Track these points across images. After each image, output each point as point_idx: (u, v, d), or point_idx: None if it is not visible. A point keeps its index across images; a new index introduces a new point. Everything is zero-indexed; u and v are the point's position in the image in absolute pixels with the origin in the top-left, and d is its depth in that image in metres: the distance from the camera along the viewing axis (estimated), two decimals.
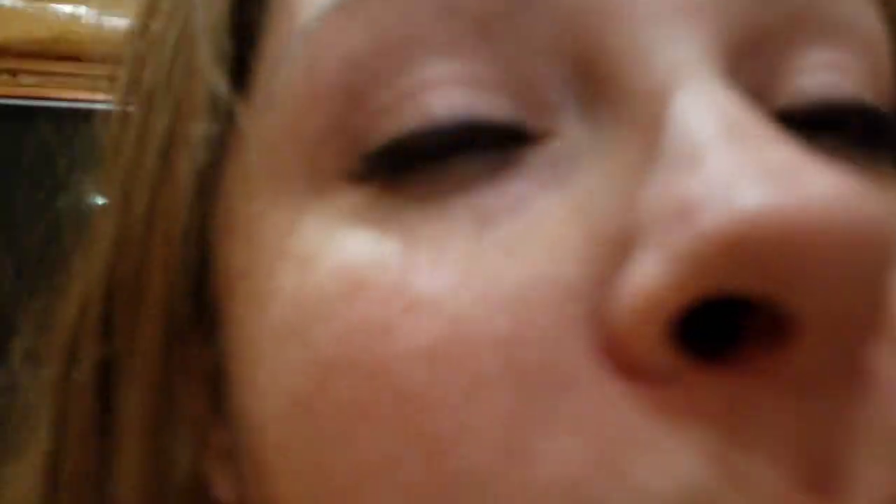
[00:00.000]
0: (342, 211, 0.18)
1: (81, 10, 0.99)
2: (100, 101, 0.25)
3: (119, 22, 0.25)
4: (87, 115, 0.26)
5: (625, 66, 0.17)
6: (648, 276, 0.14)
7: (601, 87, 0.17)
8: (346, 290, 0.17)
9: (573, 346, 0.15)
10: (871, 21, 0.20)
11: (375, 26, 0.18)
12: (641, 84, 0.17)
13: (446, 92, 0.17)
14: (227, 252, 0.21)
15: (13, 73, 1.06)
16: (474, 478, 0.15)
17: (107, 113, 0.24)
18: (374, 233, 0.18)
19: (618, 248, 0.16)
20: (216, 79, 0.20)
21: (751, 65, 0.18)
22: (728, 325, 0.15)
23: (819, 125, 0.18)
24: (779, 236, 0.13)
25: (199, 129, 0.20)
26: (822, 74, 0.19)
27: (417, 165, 0.17)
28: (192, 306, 0.21)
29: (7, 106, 1.14)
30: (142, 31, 0.23)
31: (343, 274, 0.17)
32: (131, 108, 0.23)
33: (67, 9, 1.01)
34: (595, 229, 0.16)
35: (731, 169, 0.14)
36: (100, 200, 0.24)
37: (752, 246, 0.13)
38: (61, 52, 1.01)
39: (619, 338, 0.15)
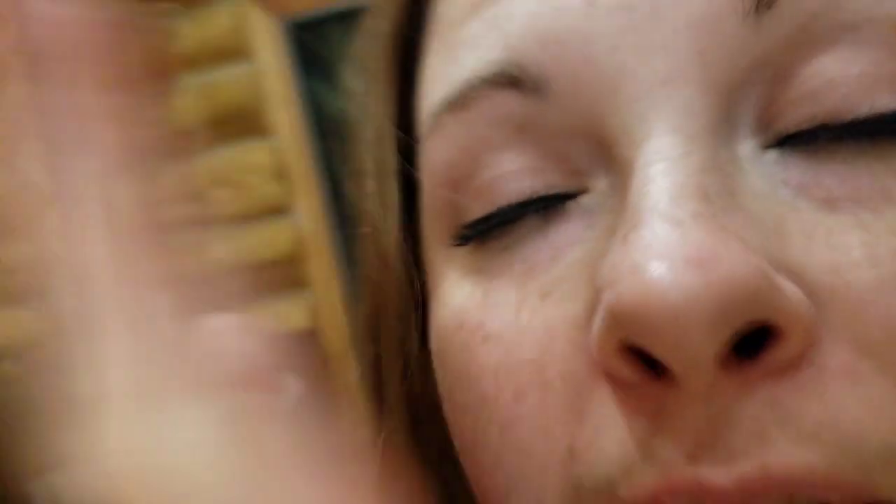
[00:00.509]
0: (456, 269, 0.27)
1: None
2: None
3: None
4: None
5: (617, 140, 0.22)
6: (595, 327, 0.21)
7: (610, 155, 0.23)
8: (455, 327, 0.26)
9: (579, 361, 0.22)
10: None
11: (455, 141, 0.25)
12: (625, 154, 0.22)
13: (511, 180, 0.24)
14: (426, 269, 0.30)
15: None
16: (527, 444, 0.23)
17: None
18: (470, 287, 0.26)
19: (599, 293, 0.21)
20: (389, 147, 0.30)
21: (755, 89, 0.22)
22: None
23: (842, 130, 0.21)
24: (634, 314, 0.19)
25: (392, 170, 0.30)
26: (830, 91, 0.21)
27: (498, 230, 0.25)
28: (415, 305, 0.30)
29: None
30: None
31: (454, 317, 0.26)
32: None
33: None
34: (592, 280, 0.22)
35: (641, 252, 0.20)
36: None
37: (625, 318, 0.20)
38: None
39: (595, 352, 0.22)
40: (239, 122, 1.74)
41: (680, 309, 0.19)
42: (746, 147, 0.22)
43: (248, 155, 1.75)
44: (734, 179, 0.21)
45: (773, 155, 0.22)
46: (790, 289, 0.20)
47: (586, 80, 0.23)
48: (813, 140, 0.21)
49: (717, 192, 0.20)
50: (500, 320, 0.24)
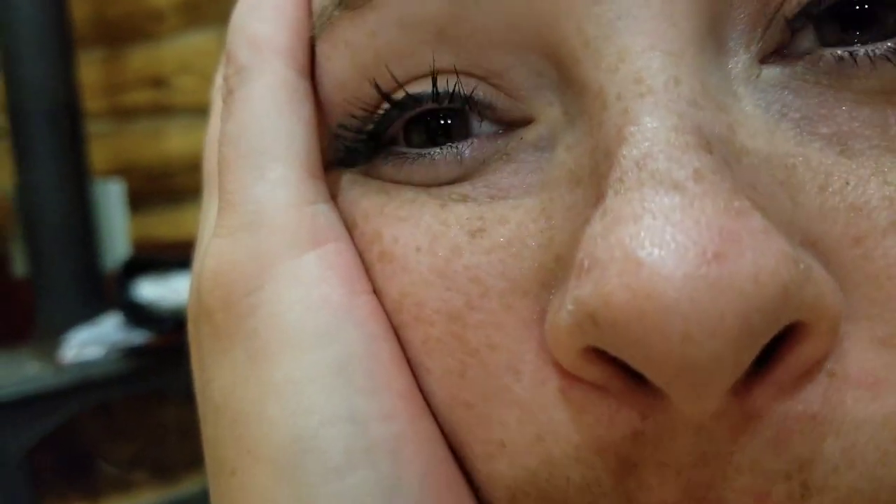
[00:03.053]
0: (347, 176, 0.22)
1: None
2: None
3: None
4: None
5: (576, 56, 0.17)
6: (560, 317, 0.16)
7: (566, 74, 0.18)
8: (353, 226, 0.21)
9: (521, 337, 0.18)
10: None
11: (353, 53, 0.20)
12: (589, 78, 0.17)
13: (427, 97, 0.19)
14: None
15: None
16: (443, 404, 0.19)
17: None
18: (361, 188, 0.21)
19: (561, 266, 0.17)
20: None
21: None
22: None
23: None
24: (621, 324, 0.15)
25: None
26: None
27: (412, 155, 0.20)
28: None
29: None
30: None
31: (346, 211, 0.21)
32: None
33: None
34: (551, 241, 0.18)
35: (632, 231, 0.15)
36: None
37: (606, 325, 0.15)
38: None
39: (552, 350, 0.17)
40: (209, 8, 1.69)
41: (692, 328, 0.14)
42: (739, 63, 0.17)
43: (219, 42, 1.71)
44: (731, 113, 0.17)
45: (771, 73, 0.17)
46: (818, 273, 0.16)
47: None
48: (817, 52, 0.17)
49: (717, 137, 0.16)
50: (406, 242, 0.19)
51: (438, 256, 0.19)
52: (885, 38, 0.17)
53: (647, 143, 0.16)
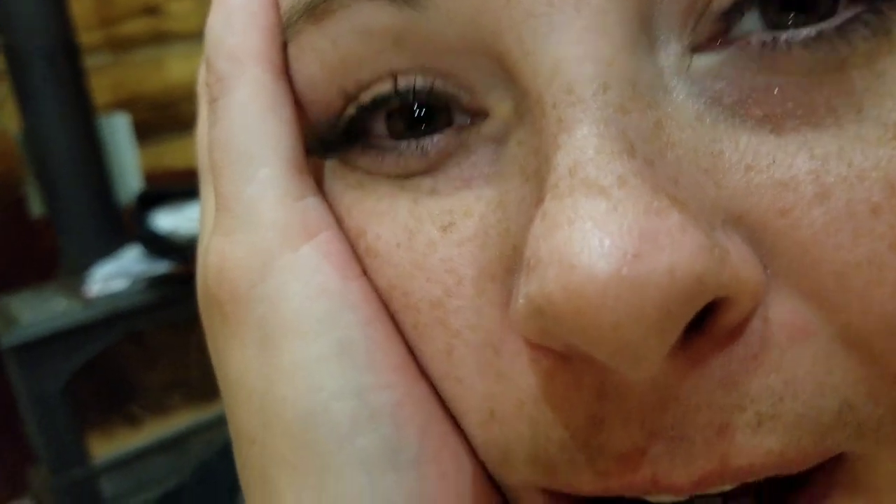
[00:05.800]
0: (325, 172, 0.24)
1: None
2: None
3: None
4: None
5: (519, 66, 0.19)
6: (517, 307, 0.18)
7: (511, 77, 0.19)
8: (340, 219, 0.23)
9: (495, 317, 0.20)
10: None
11: (319, 56, 0.22)
12: (530, 85, 0.18)
13: (390, 94, 0.21)
14: None
15: None
16: (440, 381, 0.21)
17: None
18: (342, 186, 0.23)
19: (517, 254, 0.19)
20: None
21: None
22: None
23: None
24: (562, 316, 0.17)
25: None
26: None
27: (377, 146, 0.22)
28: None
29: None
30: None
31: (341, 210, 0.23)
32: None
33: None
34: (507, 232, 0.19)
35: (564, 237, 0.17)
36: None
37: (552, 316, 0.17)
38: None
39: (517, 331, 0.19)
40: None
41: (620, 318, 0.16)
42: (671, 53, 0.19)
43: None
44: (659, 107, 0.18)
45: (703, 61, 0.19)
46: (736, 251, 0.18)
47: None
48: (747, 37, 0.18)
49: (641, 137, 0.17)
50: (388, 239, 0.21)
51: (416, 251, 0.21)
52: (814, 21, 0.18)
53: (577, 152, 0.17)
